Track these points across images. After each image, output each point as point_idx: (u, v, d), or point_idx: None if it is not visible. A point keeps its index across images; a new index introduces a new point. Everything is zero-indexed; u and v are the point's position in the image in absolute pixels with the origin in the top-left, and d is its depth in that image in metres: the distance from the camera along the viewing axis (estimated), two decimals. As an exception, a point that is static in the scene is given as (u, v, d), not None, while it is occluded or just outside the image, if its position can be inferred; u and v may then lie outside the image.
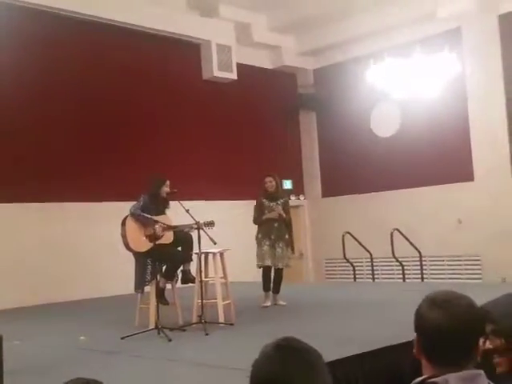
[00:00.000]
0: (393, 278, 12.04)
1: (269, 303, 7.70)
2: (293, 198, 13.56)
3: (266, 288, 7.76)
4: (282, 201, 7.87)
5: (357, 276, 12.33)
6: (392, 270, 12.09)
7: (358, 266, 12.42)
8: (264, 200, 7.80)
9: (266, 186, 7.78)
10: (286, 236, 7.78)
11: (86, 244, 10.02)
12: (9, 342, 5.94)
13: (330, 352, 4.61)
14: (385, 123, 12.58)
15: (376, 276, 12.22)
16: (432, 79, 10.21)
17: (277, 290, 7.83)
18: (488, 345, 2.11)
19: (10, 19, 9.45)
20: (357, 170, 12.83)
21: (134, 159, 10.72)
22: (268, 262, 7.67)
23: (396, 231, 11.37)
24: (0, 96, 9.44)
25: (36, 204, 9.68)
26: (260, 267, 7.74)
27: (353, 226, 12.27)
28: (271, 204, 7.77)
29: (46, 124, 10.03)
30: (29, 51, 9.86)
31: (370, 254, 12.09)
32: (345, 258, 11.95)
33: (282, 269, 7.79)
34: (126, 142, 10.87)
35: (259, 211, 7.78)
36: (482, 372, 1.81)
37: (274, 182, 7.79)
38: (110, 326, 6.81)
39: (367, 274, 12.41)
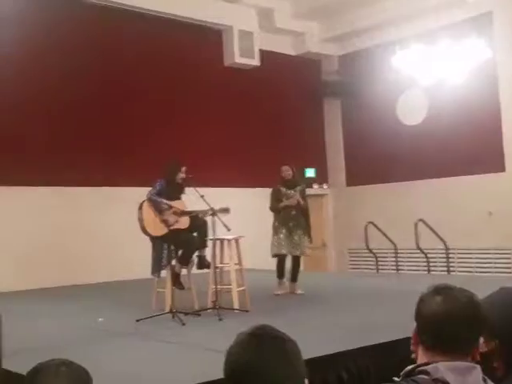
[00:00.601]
0: (417, 270, 11.80)
1: (281, 291, 7.58)
2: (316, 186, 13.42)
3: (279, 275, 7.66)
4: (299, 188, 7.76)
5: (381, 267, 12.14)
6: (417, 261, 11.86)
7: (381, 257, 12.22)
8: (281, 187, 7.70)
9: (282, 174, 7.72)
10: (304, 224, 7.65)
11: (106, 228, 10.11)
12: (34, 320, 6.11)
13: (340, 342, 4.53)
14: (411, 111, 12.31)
15: (400, 267, 12.02)
16: (460, 66, 9.95)
17: (294, 279, 7.72)
18: (483, 347, 1.98)
19: (33, 6, 9.49)
20: (382, 159, 12.57)
21: (154, 145, 10.69)
22: (284, 251, 7.56)
23: (421, 222, 11.13)
24: (23, 83, 9.52)
25: (61, 188, 9.80)
26: (275, 256, 7.62)
27: (377, 216, 12.07)
28: (288, 191, 7.67)
29: (69, 111, 10.09)
30: (50, 38, 9.92)
31: (395, 245, 11.89)
32: (368, 248, 11.78)
33: (299, 257, 7.68)
34: (146, 128, 10.86)
35: (276, 198, 7.68)
36: (477, 366, 1.75)
37: (290, 171, 7.71)
38: (127, 308, 6.89)
39: (391, 266, 12.21)
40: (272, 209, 7.70)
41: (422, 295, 1.85)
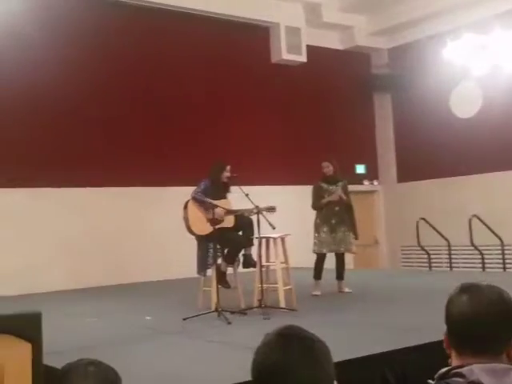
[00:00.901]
0: (472, 268, 11.47)
1: (319, 292, 7.40)
2: (366, 183, 13.24)
3: (316, 276, 7.48)
4: (341, 184, 7.60)
5: (434, 264, 11.85)
6: (471, 258, 11.53)
7: (434, 254, 11.93)
8: (322, 184, 7.55)
9: (323, 171, 7.55)
10: (348, 220, 7.51)
11: (153, 228, 10.23)
12: (82, 319, 6.25)
13: (385, 343, 4.43)
14: (465, 103, 11.95)
15: (454, 265, 11.71)
16: (514, 55, 9.60)
17: (341, 276, 7.57)
18: None
19: (74, 10, 9.68)
20: (434, 153, 12.26)
21: (200, 144, 10.76)
22: (324, 250, 7.41)
23: (475, 218, 10.80)
24: (66, 86, 9.69)
25: (108, 188, 9.97)
26: (316, 253, 7.49)
27: (430, 212, 11.79)
28: (330, 187, 7.52)
29: (114, 112, 10.22)
30: (97, 39, 10.08)
31: (448, 242, 11.59)
32: (419, 245, 11.51)
33: (343, 254, 7.53)
34: (193, 126, 10.92)
35: (318, 195, 7.51)
36: None
37: (331, 167, 7.53)
38: (174, 307, 6.95)
39: (445, 263, 11.91)
40: (314, 207, 7.54)
41: (449, 295, 1.78)
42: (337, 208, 7.44)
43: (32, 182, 9.25)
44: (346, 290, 7.50)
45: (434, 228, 11.49)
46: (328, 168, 7.53)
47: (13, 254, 8.90)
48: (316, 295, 7.37)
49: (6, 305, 6.92)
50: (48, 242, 9.37)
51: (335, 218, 7.41)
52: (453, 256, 11.71)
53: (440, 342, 4.37)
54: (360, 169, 13.20)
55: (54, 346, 4.18)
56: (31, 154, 9.41)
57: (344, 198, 7.47)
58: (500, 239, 10.97)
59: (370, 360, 4.03)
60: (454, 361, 1.74)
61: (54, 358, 3.90)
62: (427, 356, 4.11)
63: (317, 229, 7.44)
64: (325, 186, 7.53)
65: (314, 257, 7.55)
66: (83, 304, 7.69)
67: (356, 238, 7.59)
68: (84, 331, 5.73)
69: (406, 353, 4.20)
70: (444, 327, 1.79)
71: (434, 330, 4.58)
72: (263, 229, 6.16)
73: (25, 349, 2.66)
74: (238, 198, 6.37)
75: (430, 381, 1.73)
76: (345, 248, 7.47)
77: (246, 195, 6.14)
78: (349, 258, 12.30)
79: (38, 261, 9.15)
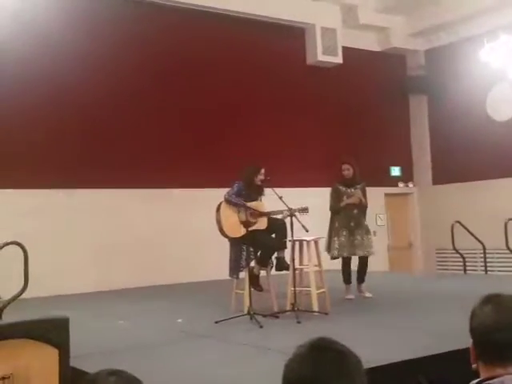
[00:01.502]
0: (508, 271, 11.27)
1: (352, 295, 7.36)
2: (401, 185, 13.13)
3: (346, 280, 7.42)
4: (359, 186, 7.49)
5: (469, 268, 11.66)
6: (507, 262, 11.32)
7: (470, 258, 11.75)
8: (340, 186, 7.47)
9: (343, 173, 7.46)
10: (366, 223, 7.43)
11: (187, 229, 10.25)
12: (114, 321, 6.31)
13: (419, 348, 4.40)
14: (502, 106, 11.77)
15: (489, 269, 11.50)
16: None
17: (361, 279, 7.47)
18: None
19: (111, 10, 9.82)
20: (470, 156, 12.10)
21: (234, 147, 10.76)
22: (345, 254, 7.31)
23: (511, 221, 10.60)
24: (100, 89, 9.81)
25: (142, 190, 10.03)
26: (334, 258, 7.38)
27: (465, 215, 11.61)
28: (349, 190, 7.44)
29: (149, 113, 10.32)
30: (127, 41, 10.17)
31: (483, 245, 11.40)
32: (454, 248, 11.35)
33: (366, 257, 7.42)
34: (227, 130, 10.95)
35: (337, 198, 7.43)
36: None
37: (351, 170, 7.45)
38: (206, 309, 6.95)
39: (480, 267, 11.72)
40: (333, 209, 7.45)
41: (473, 307, 1.77)
42: (355, 211, 7.38)
43: (66, 183, 9.35)
44: (367, 294, 7.40)
45: (469, 231, 11.32)
46: (348, 171, 7.45)
47: (47, 254, 8.92)
48: (350, 299, 7.32)
49: (37, 306, 7.04)
50: (81, 243, 9.44)
51: (354, 221, 7.34)
52: (488, 259, 11.52)
53: (460, 351, 4.33)
54: (395, 171, 13.10)
55: (83, 349, 4.26)
56: (64, 155, 9.51)
57: (363, 200, 7.42)
58: (537, 244, 10.74)
59: (403, 366, 4.00)
60: (483, 373, 1.72)
61: (83, 361, 3.98)
62: (462, 362, 4.08)
63: (336, 233, 7.34)
64: (343, 188, 7.45)
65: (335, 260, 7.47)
66: (115, 306, 7.74)
67: None
68: (114, 334, 5.76)
69: (439, 359, 4.17)
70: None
71: (461, 337, 4.55)
72: (296, 231, 6.16)
73: (52, 355, 2.70)
74: (272, 200, 6.36)
75: None
76: (365, 251, 7.35)
77: (280, 198, 6.11)
78: (384, 261, 12.27)
79: (70, 262, 9.23)
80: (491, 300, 1.72)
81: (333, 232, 7.39)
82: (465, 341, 4.35)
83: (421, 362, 4.11)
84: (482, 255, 11.51)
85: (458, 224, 11.31)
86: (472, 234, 11.33)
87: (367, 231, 7.42)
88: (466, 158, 12.16)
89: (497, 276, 11.07)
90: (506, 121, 11.72)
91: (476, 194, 12.03)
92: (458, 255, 11.62)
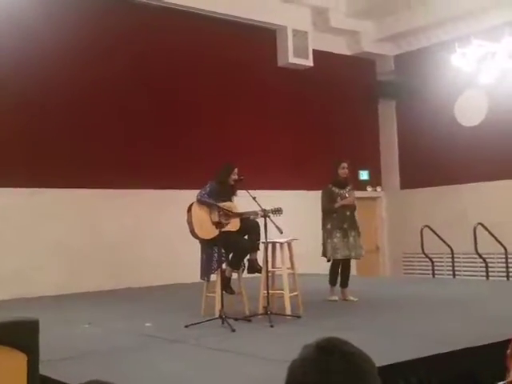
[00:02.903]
0: (475, 276, 11.37)
1: (336, 297, 7.33)
2: (369, 189, 13.16)
3: (333, 282, 7.39)
4: (349, 188, 7.49)
5: (437, 272, 11.75)
6: (475, 266, 11.43)
7: (437, 262, 11.84)
8: (333, 188, 7.41)
9: (341, 171, 7.37)
10: (355, 225, 7.38)
11: (158, 232, 10.08)
12: (80, 325, 6.08)
13: (404, 351, 4.32)
14: (470, 111, 11.88)
15: (457, 273, 11.60)
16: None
17: (345, 284, 7.43)
18: None
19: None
20: (438, 161, 12.19)
21: (205, 148, 10.65)
22: (339, 256, 7.26)
23: (480, 226, 10.71)
24: (66, 89, 9.61)
25: (112, 190, 9.82)
26: (329, 260, 7.36)
27: (433, 219, 11.70)
28: (342, 191, 7.39)
29: (123, 115, 10.16)
30: (115, 40, 10.04)
31: (451, 249, 11.49)
32: (423, 252, 11.42)
33: (350, 260, 7.41)
34: (197, 130, 10.81)
35: (329, 199, 7.34)
36: None
37: (347, 169, 7.43)
38: (175, 313, 6.79)
39: (447, 270, 11.81)
40: (326, 210, 7.35)
41: None
42: (348, 212, 7.33)
43: (30, 182, 9.10)
44: (351, 298, 7.34)
45: (438, 235, 11.40)
46: (346, 170, 7.40)
47: (10, 255, 8.71)
48: (333, 300, 7.28)
49: (2, 310, 6.78)
50: (45, 245, 9.17)
51: (347, 222, 7.29)
52: (456, 264, 11.61)
53: (451, 353, 4.27)
54: (363, 175, 13.11)
55: (50, 354, 4.05)
56: (32, 153, 9.28)
57: (355, 202, 7.43)
58: (505, 248, 10.87)
59: (380, 370, 3.91)
60: None
61: (51, 368, 3.78)
62: (446, 365, 4.02)
63: (329, 234, 7.27)
64: (336, 189, 7.39)
65: (323, 262, 7.44)
66: (82, 309, 7.48)
67: None
68: (80, 338, 5.54)
69: (423, 362, 4.09)
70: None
71: (455, 338, 4.50)
72: (271, 233, 6.05)
73: (20, 360, 2.46)
74: (245, 202, 6.23)
75: None
76: (356, 253, 7.33)
77: (254, 198, 6.01)
78: (352, 265, 12.22)
79: (35, 263, 8.96)
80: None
81: (326, 234, 7.31)
82: (450, 344, 4.29)
83: (401, 366, 4.03)
84: (450, 259, 11.61)
85: (426, 228, 11.39)
86: (441, 238, 11.42)
87: (359, 233, 7.38)
88: (434, 162, 12.25)
89: (465, 280, 11.16)
90: (474, 126, 11.83)
91: (443, 198, 12.12)
92: (425, 259, 11.70)
